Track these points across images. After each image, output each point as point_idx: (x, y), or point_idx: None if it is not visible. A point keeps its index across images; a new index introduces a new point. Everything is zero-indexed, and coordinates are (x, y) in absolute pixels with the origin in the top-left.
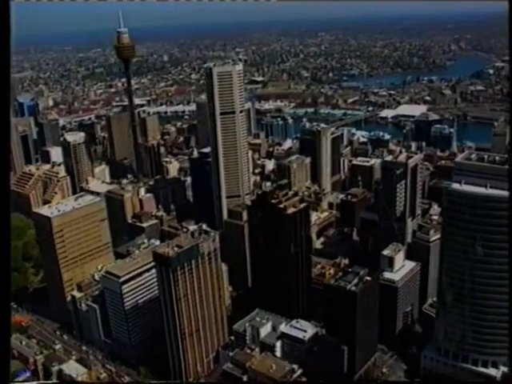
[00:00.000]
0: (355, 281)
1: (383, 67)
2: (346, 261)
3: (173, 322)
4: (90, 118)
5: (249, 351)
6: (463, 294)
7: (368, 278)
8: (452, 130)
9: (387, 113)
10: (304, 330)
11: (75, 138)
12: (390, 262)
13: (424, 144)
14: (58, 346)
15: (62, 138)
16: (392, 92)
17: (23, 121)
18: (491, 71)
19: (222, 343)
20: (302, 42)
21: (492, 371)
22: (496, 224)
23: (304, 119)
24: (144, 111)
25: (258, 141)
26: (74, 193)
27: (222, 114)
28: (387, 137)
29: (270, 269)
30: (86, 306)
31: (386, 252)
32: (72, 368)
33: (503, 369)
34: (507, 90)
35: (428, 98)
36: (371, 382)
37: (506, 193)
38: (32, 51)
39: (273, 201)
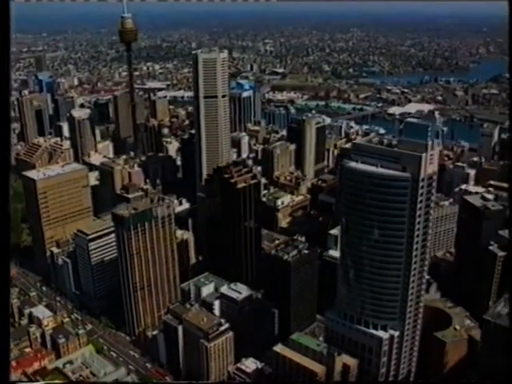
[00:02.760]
0: (293, 253)
1: (405, 66)
2: (303, 238)
3: (127, 276)
4: (107, 98)
5: (188, 306)
6: (363, 271)
7: (306, 252)
8: (445, 128)
9: (395, 110)
10: (239, 292)
11: (80, 114)
12: (336, 240)
13: None
14: (33, 294)
15: (68, 114)
16: (405, 90)
17: (41, 97)
18: (508, 75)
19: (174, 301)
20: (331, 37)
21: (381, 333)
22: (389, 200)
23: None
24: (155, 94)
25: (257, 128)
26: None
27: (205, 97)
28: (382, 131)
29: (224, 239)
30: (61, 260)
31: (333, 231)
32: (40, 311)
33: (391, 332)
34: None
35: (440, 97)
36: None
37: (395, 172)
38: (69, 32)
39: (226, 175)
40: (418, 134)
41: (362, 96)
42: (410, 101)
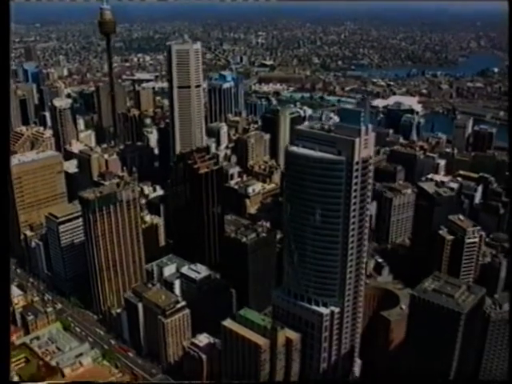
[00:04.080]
0: (252, 236)
1: (394, 59)
2: (268, 224)
3: (93, 257)
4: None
5: (150, 286)
6: (306, 253)
7: (264, 235)
8: (422, 120)
9: (378, 102)
10: (198, 272)
11: (62, 103)
12: None
13: (391, 131)
14: None
15: (49, 103)
16: (391, 83)
17: (26, 87)
18: (496, 69)
19: (140, 281)
20: (324, 30)
21: (322, 309)
22: (326, 183)
23: (297, 103)
24: (139, 85)
25: (237, 118)
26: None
27: (179, 87)
28: None
29: (190, 223)
30: (34, 243)
31: None
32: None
33: (332, 308)
34: (504, 89)
35: (425, 90)
36: None
37: (331, 156)
38: (63, 22)
39: (189, 161)
40: (353, 119)
41: (347, 88)
42: (394, 93)
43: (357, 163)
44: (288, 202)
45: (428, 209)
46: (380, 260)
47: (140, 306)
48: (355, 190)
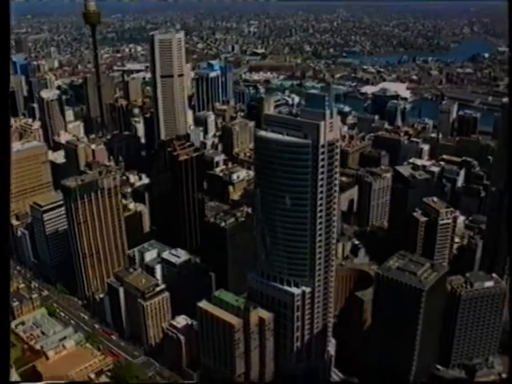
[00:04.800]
0: (230, 220)
1: (386, 46)
2: (249, 210)
3: (76, 244)
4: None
5: (131, 270)
6: (277, 235)
7: (243, 219)
8: (408, 106)
9: (368, 89)
10: (178, 256)
11: (49, 95)
12: None
13: (377, 117)
14: None
15: (36, 95)
16: (381, 70)
17: (15, 79)
18: (486, 55)
19: (122, 267)
20: (316, 18)
21: (293, 289)
22: (294, 166)
23: (287, 91)
24: (129, 75)
25: (224, 107)
26: (47, 143)
27: (162, 76)
28: (347, 109)
29: (172, 210)
30: (20, 232)
31: None
32: None
33: (303, 288)
34: (494, 75)
35: (415, 77)
36: None
37: (297, 139)
38: (54, 14)
39: (169, 149)
40: (318, 104)
41: (337, 76)
42: (384, 80)
43: (322, 146)
44: (258, 186)
45: (403, 191)
46: (357, 242)
47: (121, 290)
48: (322, 173)
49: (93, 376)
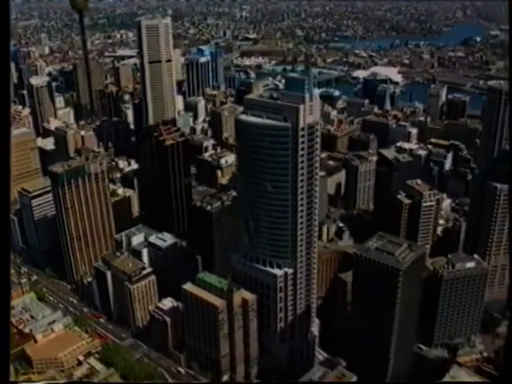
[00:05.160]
0: (216, 204)
1: (378, 30)
2: (236, 194)
3: (63, 228)
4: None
5: (119, 254)
6: (260, 218)
7: (229, 203)
8: (397, 90)
9: (359, 73)
10: (165, 240)
11: (38, 81)
12: None
13: (367, 101)
14: None
15: (26, 82)
16: (373, 54)
17: None
18: (478, 39)
19: (110, 252)
20: (308, 2)
21: (276, 270)
22: (274, 148)
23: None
24: (120, 61)
25: (214, 92)
26: (36, 130)
27: (150, 62)
28: (337, 93)
29: (159, 194)
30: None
31: None
32: None
33: (285, 269)
34: (485, 59)
35: (406, 61)
36: None
37: (277, 122)
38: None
39: (155, 134)
40: (297, 87)
41: (329, 60)
42: (376, 64)
43: (302, 129)
44: (240, 169)
45: (387, 174)
46: (341, 225)
47: (108, 273)
48: (302, 155)
49: (81, 358)
